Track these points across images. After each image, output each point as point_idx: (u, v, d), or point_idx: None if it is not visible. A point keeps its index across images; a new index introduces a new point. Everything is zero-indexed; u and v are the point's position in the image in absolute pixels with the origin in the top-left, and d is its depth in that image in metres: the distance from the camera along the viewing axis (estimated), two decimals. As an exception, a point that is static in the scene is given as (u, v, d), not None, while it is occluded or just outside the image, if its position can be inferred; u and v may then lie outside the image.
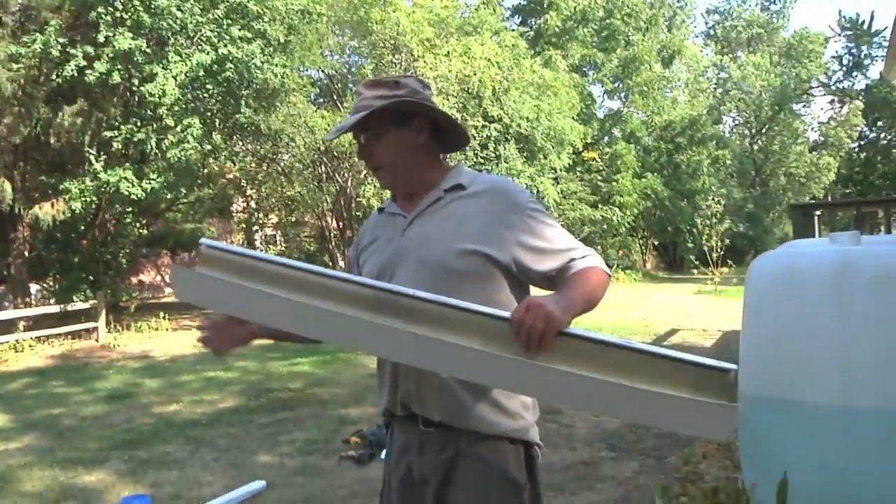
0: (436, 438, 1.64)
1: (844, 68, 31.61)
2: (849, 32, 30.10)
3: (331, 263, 18.87)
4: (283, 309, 1.52)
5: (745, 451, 2.51)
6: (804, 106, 35.69)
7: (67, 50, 11.03)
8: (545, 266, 1.62)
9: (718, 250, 19.95)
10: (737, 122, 36.38)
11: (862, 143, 32.04)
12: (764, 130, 34.35)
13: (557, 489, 4.05)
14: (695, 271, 23.79)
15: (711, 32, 38.68)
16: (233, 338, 1.80)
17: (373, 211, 1.95)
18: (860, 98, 30.84)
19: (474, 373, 1.42)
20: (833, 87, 33.44)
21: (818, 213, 6.81)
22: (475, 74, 15.96)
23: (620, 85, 26.59)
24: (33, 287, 14.90)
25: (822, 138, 35.86)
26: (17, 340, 11.55)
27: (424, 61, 15.66)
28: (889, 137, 30.79)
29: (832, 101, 34.61)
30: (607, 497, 3.96)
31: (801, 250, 2.56)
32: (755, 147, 34.67)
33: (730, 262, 21.66)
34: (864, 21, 29.76)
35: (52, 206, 12.08)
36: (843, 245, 2.51)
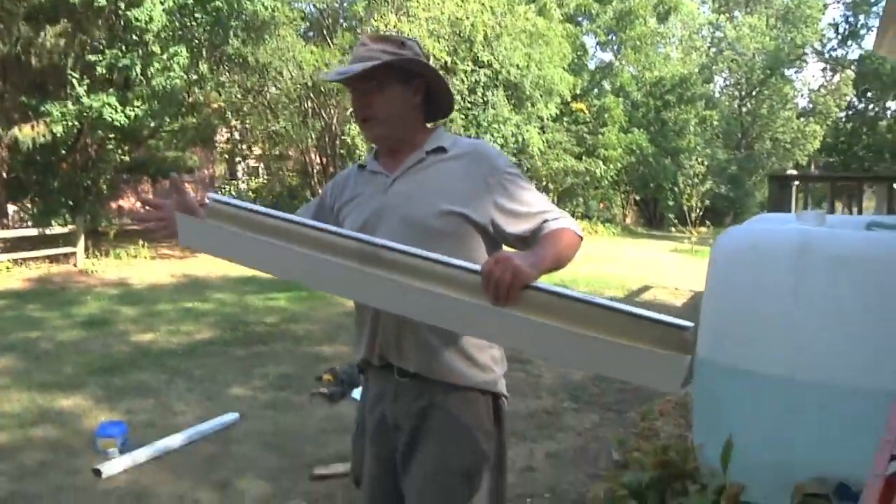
0: (410, 388, 1.74)
1: (840, 36, 31.51)
2: (847, 0, 29.90)
3: (312, 198, 18.80)
4: (282, 258, 1.64)
5: (697, 412, 2.65)
6: (796, 72, 35.62)
7: (51, -33, 10.76)
8: (520, 228, 1.70)
9: (698, 210, 20.17)
10: (727, 82, 36.25)
11: (850, 112, 32.04)
12: (754, 93, 34.30)
13: (520, 436, 4.21)
14: (673, 229, 24.03)
15: (710, -11, 38.18)
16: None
17: (352, 165, 2.00)
18: (852, 68, 30.80)
19: (446, 318, 1.53)
20: (826, 55, 33.37)
21: (796, 183, 6.94)
22: (468, 18, 15.77)
23: (614, 38, 26.37)
24: (10, 209, 14.77)
25: (810, 105, 35.87)
26: (-7, 261, 11.54)
27: (417, 1, 15.42)
28: (877, 109, 30.83)
29: (824, 69, 34.61)
30: (567, 446, 4.13)
31: (767, 227, 2.66)
32: (743, 109, 34.64)
33: (708, 222, 21.91)
34: (863, -11, 29.57)
35: (33, 128, 11.90)
36: (807, 224, 2.61)
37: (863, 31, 30.17)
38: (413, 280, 1.50)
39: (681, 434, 3.51)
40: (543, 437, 4.28)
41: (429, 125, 1.88)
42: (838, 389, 2.25)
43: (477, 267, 1.46)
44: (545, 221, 1.68)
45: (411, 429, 1.74)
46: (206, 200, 1.75)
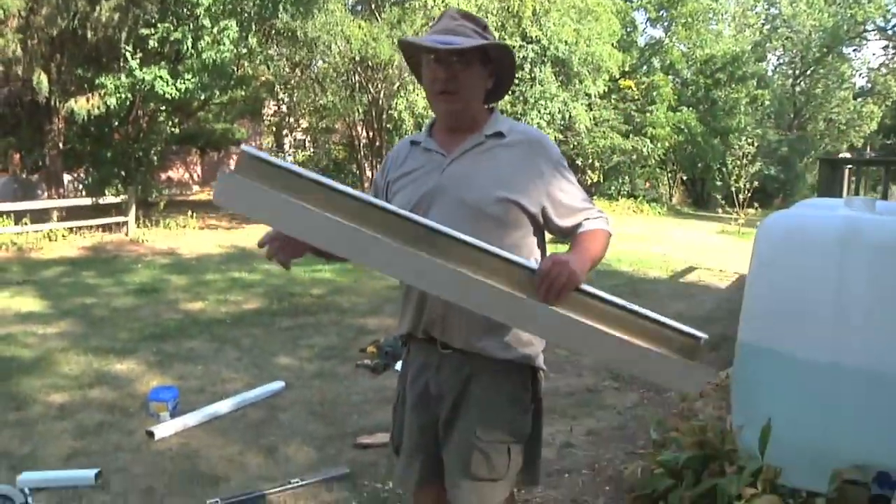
0: (453, 360, 1.81)
1: (905, 12, 30.25)
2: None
3: (358, 172, 18.99)
4: (329, 230, 1.59)
5: (736, 395, 2.67)
6: (855, 50, 34.40)
7: (107, -58, 10.97)
8: (566, 222, 1.82)
9: (746, 191, 19.73)
10: (781, 61, 35.18)
11: (912, 92, 30.96)
12: (808, 72, 33.25)
13: (561, 413, 4.26)
14: (720, 210, 23.62)
15: (767, -36, 37.03)
16: (295, 249, 1.77)
17: (401, 140, 2.05)
18: (916, 45, 29.63)
19: (495, 310, 1.61)
20: (889, 32, 32.14)
21: (848, 167, 6.79)
22: (517, -7, 15.61)
23: (665, 14, 25.81)
24: (66, 178, 15.21)
25: (869, 85, 34.67)
26: (50, 230, 11.93)
27: (466, -24, 15.30)
28: (941, 89, 29.68)
29: (886, 47, 33.34)
30: (606, 424, 4.17)
31: (813, 212, 2.65)
32: (797, 89, 33.63)
33: (756, 204, 21.42)
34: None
35: (88, 100, 12.24)
36: (855, 210, 2.59)
37: (931, 7, 28.92)
38: (466, 269, 1.57)
39: (720, 416, 3.52)
40: (584, 415, 4.32)
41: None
42: (881, 377, 2.24)
43: (532, 264, 1.57)
44: (587, 219, 1.81)
45: (454, 397, 1.82)
46: (241, 153, 1.61)
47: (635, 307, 1.59)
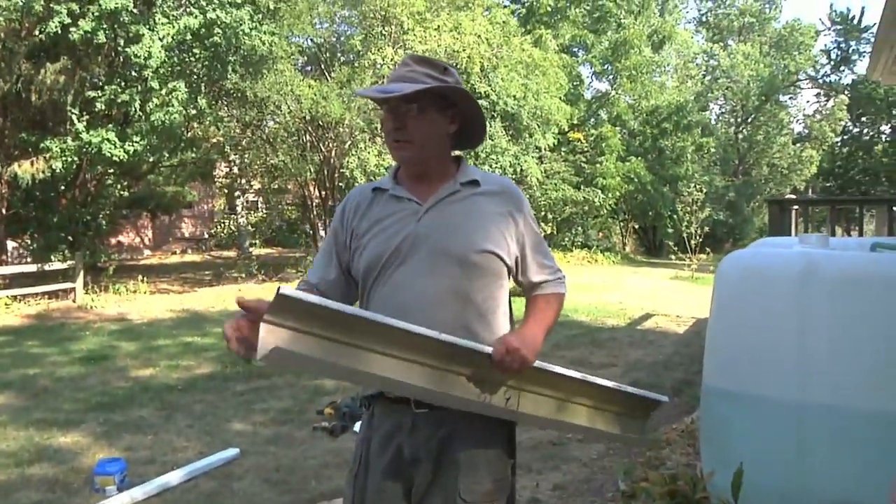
0: (430, 419, 1.70)
1: (832, 62, 31.77)
2: (839, 27, 30.23)
3: (311, 231, 18.85)
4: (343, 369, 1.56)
5: (704, 440, 2.61)
6: (790, 98, 35.84)
7: (51, 6, 10.87)
8: (532, 277, 1.82)
9: (697, 237, 20.11)
10: (723, 110, 36.46)
11: (845, 137, 32.18)
12: (749, 120, 34.47)
13: (525, 468, 4.14)
14: (673, 257, 24.00)
15: (703, 19, 38.57)
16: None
17: (359, 186, 1.96)
18: (846, 93, 31.02)
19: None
20: (820, 81, 33.60)
21: (795, 207, 6.93)
22: (464, 50, 15.90)
23: (609, 67, 26.56)
24: (9, 245, 14.77)
25: (806, 131, 36.02)
26: (-8, 298, 11.51)
27: (414, 34, 15.56)
28: (871, 133, 31.02)
29: (818, 95, 34.76)
30: (573, 478, 4.07)
31: (770, 251, 2.65)
32: (740, 136, 34.80)
33: (708, 249, 21.83)
34: (854, 16, 30.03)
35: (32, 164, 11.97)
36: (811, 247, 2.59)
37: (854, 57, 30.43)
38: (433, 360, 1.58)
39: (688, 463, 3.45)
40: (549, 469, 4.21)
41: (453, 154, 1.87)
42: (849, 413, 2.21)
43: (487, 350, 1.60)
44: (547, 280, 1.83)
45: (433, 459, 1.70)
46: (278, 296, 1.44)
47: (579, 375, 1.77)
